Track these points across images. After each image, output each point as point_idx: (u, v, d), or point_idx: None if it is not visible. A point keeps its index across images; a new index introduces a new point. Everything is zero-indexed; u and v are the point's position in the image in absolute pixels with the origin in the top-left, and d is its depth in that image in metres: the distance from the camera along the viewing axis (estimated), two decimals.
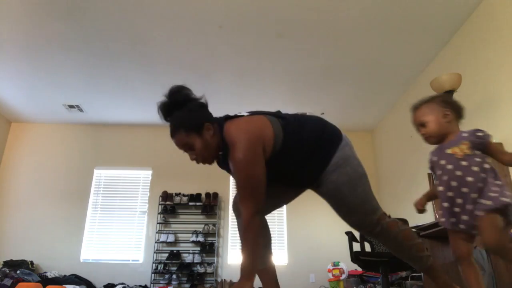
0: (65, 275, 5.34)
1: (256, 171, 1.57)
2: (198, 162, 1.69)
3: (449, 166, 1.56)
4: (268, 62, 4.79)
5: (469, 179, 1.50)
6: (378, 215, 1.71)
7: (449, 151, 1.59)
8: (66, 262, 5.66)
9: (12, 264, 5.19)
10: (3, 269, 4.91)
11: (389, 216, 1.78)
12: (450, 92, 3.40)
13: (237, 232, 1.84)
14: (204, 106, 1.72)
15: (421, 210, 1.73)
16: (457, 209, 1.54)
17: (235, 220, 2.27)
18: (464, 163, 1.53)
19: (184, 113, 1.67)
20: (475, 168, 1.50)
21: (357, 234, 3.75)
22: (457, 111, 1.67)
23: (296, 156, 1.67)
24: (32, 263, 5.46)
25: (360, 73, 5.00)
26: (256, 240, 1.55)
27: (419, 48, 4.46)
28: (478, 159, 1.53)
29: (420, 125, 1.69)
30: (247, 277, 1.48)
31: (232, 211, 1.87)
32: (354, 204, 1.66)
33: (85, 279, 5.40)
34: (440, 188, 1.58)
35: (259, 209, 1.57)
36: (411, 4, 3.79)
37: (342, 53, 4.60)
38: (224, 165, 1.79)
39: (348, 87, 5.34)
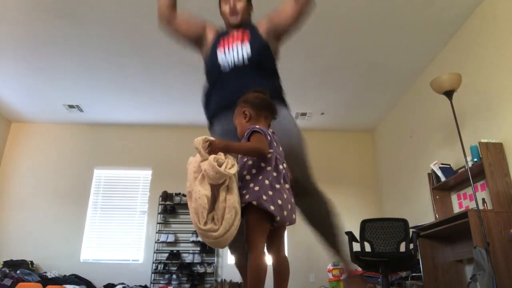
0: (65, 275, 5.33)
1: None
2: (233, 7, 2.02)
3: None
4: None
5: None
6: (312, 171, 1.85)
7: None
8: (66, 262, 5.66)
9: (12, 264, 5.19)
10: (3, 269, 4.91)
11: None
12: (450, 92, 3.40)
13: None
14: None
15: None
16: None
17: None
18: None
19: None
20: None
21: (357, 234, 3.75)
22: (256, 106, 1.65)
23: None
24: (32, 263, 5.46)
25: (360, 73, 5.00)
26: None
27: (419, 48, 4.46)
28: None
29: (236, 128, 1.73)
30: None
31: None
32: (301, 153, 1.81)
33: (85, 279, 5.40)
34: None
35: None
36: (411, 4, 3.79)
37: (342, 53, 4.59)
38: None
39: (348, 87, 5.34)
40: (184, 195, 5.92)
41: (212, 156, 1.38)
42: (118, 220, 6.12)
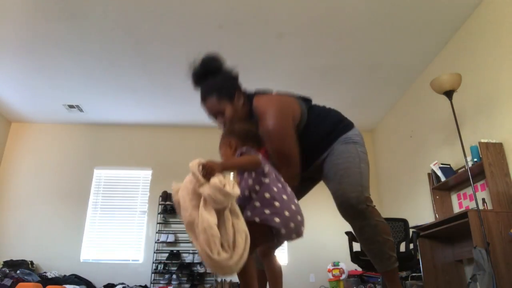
0: (65, 275, 5.33)
1: (288, 138, 1.70)
2: (223, 129, 1.76)
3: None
4: (268, 62, 4.78)
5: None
6: (367, 194, 1.78)
7: None
8: (66, 262, 5.66)
9: (12, 264, 5.19)
10: (3, 269, 4.91)
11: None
12: (450, 92, 3.39)
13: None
14: (236, 76, 1.81)
15: None
16: None
17: None
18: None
19: (217, 80, 1.77)
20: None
21: None
22: (241, 137, 1.60)
23: (314, 136, 1.80)
24: (32, 263, 5.46)
25: (360, 73, 5.00)
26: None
27: (419, 48, 4.46)
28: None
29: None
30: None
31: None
32: (354, 173, 1.76)
33: (85, 279, 5.40)
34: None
35: (296, 172, 1.70)
36: (411, 4, 3.79)
37: (342, 53, 4.59)
38: None
39: (348, 87, 5.34)
40: None
41: (217, 179, 1.29)
42: (118, 220, 6.12)
